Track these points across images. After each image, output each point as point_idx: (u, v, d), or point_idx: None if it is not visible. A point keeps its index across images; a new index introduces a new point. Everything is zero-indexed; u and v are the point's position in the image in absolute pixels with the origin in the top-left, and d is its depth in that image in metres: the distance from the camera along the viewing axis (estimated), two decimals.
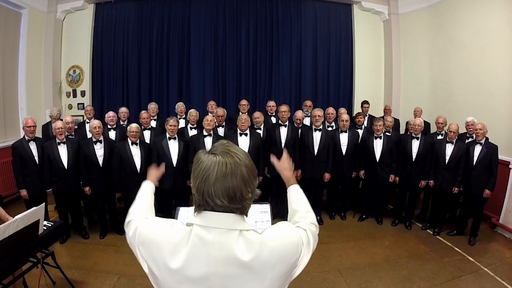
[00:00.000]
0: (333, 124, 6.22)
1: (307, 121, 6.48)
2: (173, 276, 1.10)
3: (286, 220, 1.48)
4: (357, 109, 7.82)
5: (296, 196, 1.60)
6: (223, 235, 1.09)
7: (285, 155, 1.78)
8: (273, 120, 6.48)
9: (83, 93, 8.10)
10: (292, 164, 1.78)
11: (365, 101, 7.16)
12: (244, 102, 6.65)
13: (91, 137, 5.09)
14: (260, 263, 1.08)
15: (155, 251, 1.13)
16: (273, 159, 1.81)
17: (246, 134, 5.43)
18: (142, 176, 5.07)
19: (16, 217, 3.13)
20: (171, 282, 1.11)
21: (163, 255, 1.11)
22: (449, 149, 5.27)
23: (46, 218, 4.08)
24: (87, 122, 6.22)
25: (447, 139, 5.30)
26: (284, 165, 1.74)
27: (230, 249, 1.07)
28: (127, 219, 1.44)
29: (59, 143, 4.94)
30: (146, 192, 1.72)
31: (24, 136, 4.95)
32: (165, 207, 5.43)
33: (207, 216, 1.11)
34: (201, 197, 1.10)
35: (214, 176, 1.05)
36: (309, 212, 1.50)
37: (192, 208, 2.39)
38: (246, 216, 1.17)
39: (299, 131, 5.85)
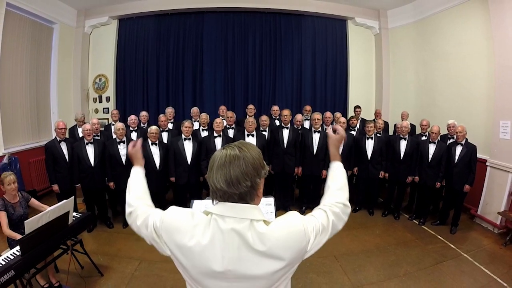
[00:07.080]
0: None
1: (307, 124, 6.46)
2: (196, 259, 1.11)
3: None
4: (351, 113, 7.75)
5: (334, 172, 1.50)
6: (236, 223, 1.10)
7: (341, 134, 1.63)
8: (277, 122, 6.45)
9: (108, 99, 8.13)
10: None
11: (357, 106, 7.14)
12: (251, 106, 6.64)
13: (115, 138, 5.10)
14: (272, 250, 1.09)
15: (178, 237, 1.14)
16: (329, 131, 1.66)
17: (252, 135, 5.43)
18: (161, 173, 5.11)
19: (48, 208, 3.15)
20: (194, 267, 1.13)
21: (185, 241, 1.12)
22: (432, 148, 5.26)
23: (75, 210, 4.11)
24: (113, 125, 6.24)
25: (430, 140, 5.29)
26: (335, 141, 1.60)
27: (242, 236, 1.09)
28: (128, 209, 1.41)
29: (87, 144, 4.95)
30: (138, 178, 1.55)
31: (55, 137, 4.96)
32: (181, 200, 5.40)
33: (223, 206, 1.13)
34: (209, 183, 1.15)
35: (216, 164, 1.12)
36: (341, 190, 1.41)
37: (204, 201, 2.39)
38: (250, 202, 1.14)
39: (300, 132, 5.82)
